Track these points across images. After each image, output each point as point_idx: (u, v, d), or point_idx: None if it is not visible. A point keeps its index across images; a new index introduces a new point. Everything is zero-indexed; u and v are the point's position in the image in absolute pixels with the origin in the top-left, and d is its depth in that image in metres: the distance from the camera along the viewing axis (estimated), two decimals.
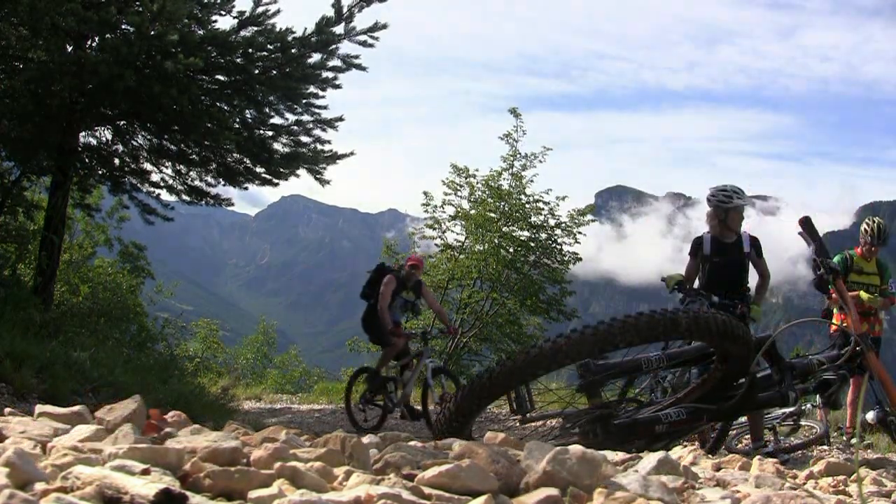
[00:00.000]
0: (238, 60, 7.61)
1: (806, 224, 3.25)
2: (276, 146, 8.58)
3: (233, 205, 9.90)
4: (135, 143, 8.70)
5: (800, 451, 5.46)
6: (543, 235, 13.77)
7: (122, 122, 8.28)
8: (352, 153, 9.10)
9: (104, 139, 8.71)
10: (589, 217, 14.31)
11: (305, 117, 8.54)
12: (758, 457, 2.04)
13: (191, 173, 8.87)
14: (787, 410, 5.91)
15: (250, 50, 7.65)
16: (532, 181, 13.95)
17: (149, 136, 8.56)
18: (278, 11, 7.95)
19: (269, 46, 7.72)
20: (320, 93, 8.36)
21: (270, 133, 8.56)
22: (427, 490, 1.10)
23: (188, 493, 0.94)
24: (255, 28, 7.87)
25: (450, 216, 14.17)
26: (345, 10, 7.73)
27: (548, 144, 14.67)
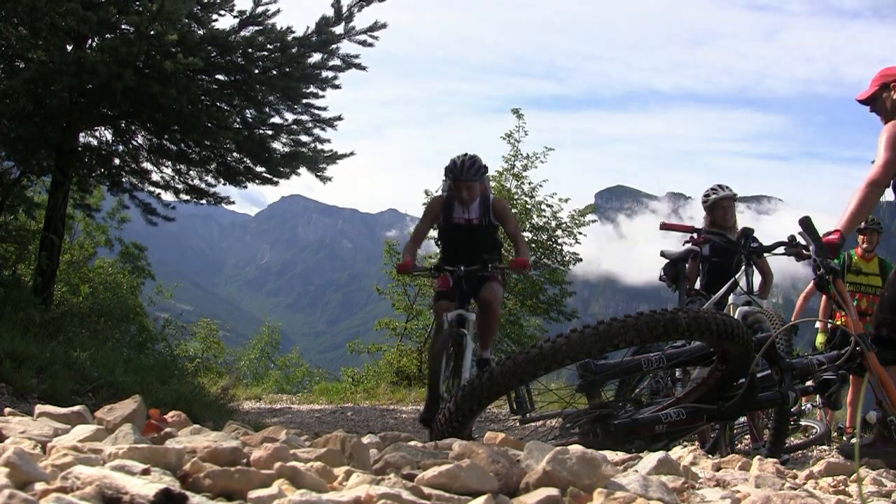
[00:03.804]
0: (238, 60, 7.61)
1: (806, 224, 3.25)
2: (276, 145, 8.59)
3: (233, 203, 9.91)
4: (135, 142, 8.71)
5: (800, 451, 5.46)
6: (544, 236, 13.78)
7: (121, 122, 8.28)
8: (352, 153, 9.11)
9: (104, 139, 8.72)
10: (590, 217, 14.32)
11: (305, 117, 8.55)
12: (758, 457, 2.04)
13: (191, 173, 8.88)
14: None
15: (250, 49, 7.65)
16: (541, 185, 13.95)
17: (149, 136, 8.56)
18: (278, 11, 7.96)
19: (269, 46, 7.73)
20: (320, 92, 8.37)
21: (270, 132, 8.56)
22: (427, 490, 1.10)
23: (188, 493, 0.94)
24: (255, 28, 7.88)
25: None
26: (344, 9, 7.73)
27: (539, 144, 14.72)
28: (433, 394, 4.21)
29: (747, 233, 4.55)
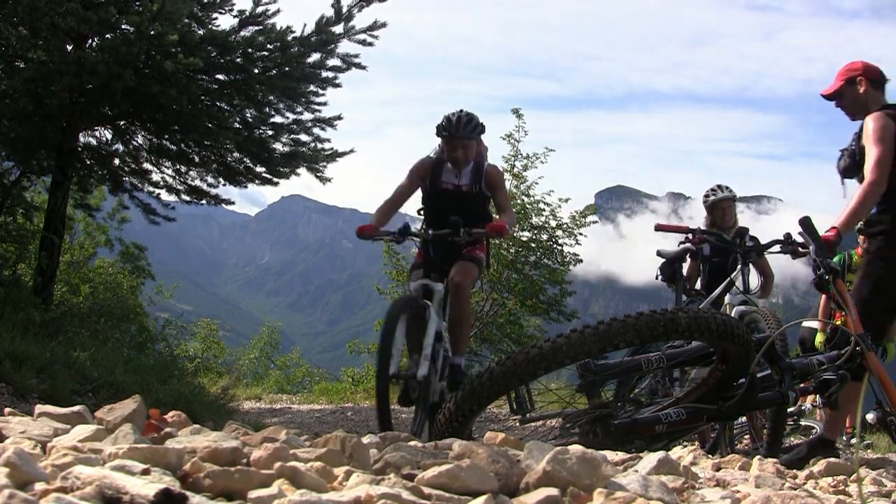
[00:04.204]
0: (238, 60, 7.61)
1: (806, 224, 3.25)
2: (276, 145, 8.59)
3: (233, 204, 9.91)
4: (135, 143, 8.71)
5: None
6: (544, 236, 13.77)
7: (121, 122, 8.28)
8: (352, 151, 9.10)
9: (104, 139, 8.72)
10: (591, 218, 14.30)
11: (305, 116, 8.56)
12: (758, 457, 2.04)
13: (191, 173, 8.88)
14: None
15: (250, 49, 7.65)
16: (537, 183, 13.95)
17: (149, 136, 8.56)
18: (278, 11, 7.96)
19: (268, 46, 7.73)
20: (320, 91, 8.37)
21: (270, 132, 8.57)
22: (427, 490, 1.10)
23: (188, 493, 0.94)
24: (255, 27, 7.88)
25: None
26: (344, 9, 7.74)
27: (539, 144, 14.71)
28: (382, 372, 3.45)
29: (742, 232, 4.57)
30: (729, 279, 4.72)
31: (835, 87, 3.83)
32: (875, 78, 3.74)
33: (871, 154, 3.50)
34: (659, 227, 4.62)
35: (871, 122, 3.57)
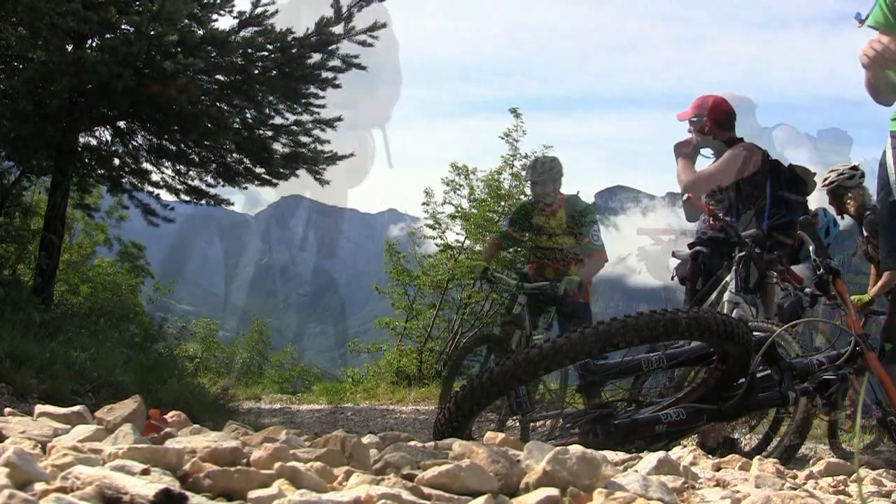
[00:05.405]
0: (238, 60, 7.60)
1: (806, 224, 3.26)
2: (276, 146, 8.58)
3: (232, 204, 9.89)
4: (134, 143, 8.70)
5: (800, 451, 5.46)
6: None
7: (121, 123, 8.28)
8: (352, 154, 9.09)
9: (104, 139, 8.72)
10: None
11: (305, 117, 8.55)
12: (758, 457, 2.04)
13: (190, 173, 8.87)
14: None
15: (250, 50, 7.65)
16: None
17: (148, 136, 8.56)
18: (277, 11, 7.96)
19: (268, 46, 7.72)
20: (320, 93, 8.36)
21: (270, 133, 8.56)
22: (427, 490, 1.10)
23: (188, 493, 0.94)
24: (255, 28, 7.87)
25: (450, 215, 14.13)
26: (344, 10, 7.73)
27: (539, 145, 14.66)
28: None
29: (725, 229, 4.59)
30: (715, 277, 4.73)
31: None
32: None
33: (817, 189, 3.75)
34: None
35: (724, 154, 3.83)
